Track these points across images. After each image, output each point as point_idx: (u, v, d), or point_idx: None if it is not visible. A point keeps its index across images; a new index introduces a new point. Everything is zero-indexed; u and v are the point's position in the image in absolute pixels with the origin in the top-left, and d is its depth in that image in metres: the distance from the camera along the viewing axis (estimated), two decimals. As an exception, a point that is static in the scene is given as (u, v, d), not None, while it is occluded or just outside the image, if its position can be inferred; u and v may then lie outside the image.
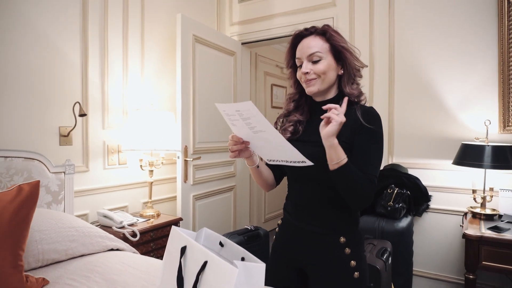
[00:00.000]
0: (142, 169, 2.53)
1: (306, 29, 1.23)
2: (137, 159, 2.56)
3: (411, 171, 2.59)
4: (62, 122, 2.17)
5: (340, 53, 1.18)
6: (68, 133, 2.18)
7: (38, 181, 1.35)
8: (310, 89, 1.20)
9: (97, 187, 2.38)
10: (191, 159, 2.71)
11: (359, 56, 1.24)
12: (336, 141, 1.04)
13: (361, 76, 1.24)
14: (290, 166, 1.15)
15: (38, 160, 1.99)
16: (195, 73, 2.76)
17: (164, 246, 2.43)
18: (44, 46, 2.07)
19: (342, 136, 1.12)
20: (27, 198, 1.28)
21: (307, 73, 1.18)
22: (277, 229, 1.37)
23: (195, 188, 2.80)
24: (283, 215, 1.35)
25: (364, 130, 1.13)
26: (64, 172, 2.12)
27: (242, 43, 3.42)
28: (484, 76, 2.35)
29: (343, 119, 1.03)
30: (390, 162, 2.70)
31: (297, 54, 1.23)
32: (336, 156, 1.05)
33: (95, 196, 2.37)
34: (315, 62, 1.18)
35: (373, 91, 2.75)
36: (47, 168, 2.04)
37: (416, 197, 2.44)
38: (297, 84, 1.29)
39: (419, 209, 2.49)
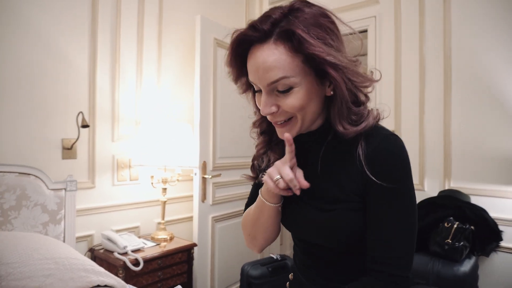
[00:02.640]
0: (154, 187, 2.27)
1: (255, 27, 0.69)
2: (150, 174, 2.30)
3: (474, 199, 2.08)
4: (65, 133, 1.97)
5: (324, 71, 0.68)
6: (72, 146, 1.98)
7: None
8: (285, 136, 0.73)
9: (105, 205, 2.15)
10: (210, 176, 2.41)
11: (365, 68, 0.77)
12: None
13: (367, 94, 0.76)
14: (293, 230, 0.87)
15: (34, 175, 1.79)
16: (216, 80, 2.48)
17: (175, 276, 2.15)
18: (47, 49, 1.88)
19: (342, 195, 0.74)
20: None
21: (272, 113, 0.73)
22: (287, 284, 1.00)
23: (214, 209, 2.50)
24: (293, 267, 0.98)
25: (376, 188, 0.70)
26: (64, 189, 1.91)
27: (274, 48, 3.10)
28: None
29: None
30: (446, 187, 2.21)
31: (250, 76, 0.73)
32: None
33: (102, 215, 2.14)
34: (282, 92, 0.70)
35: (424, 100, 2.29)
36: (45, 184, 1.83)
37: (482, 234, 1.93)
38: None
39: (486, 248, 1.98)
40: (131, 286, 1.62)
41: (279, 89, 0.70)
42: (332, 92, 0.72)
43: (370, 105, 0.78)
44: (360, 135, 0.72)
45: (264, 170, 0.86)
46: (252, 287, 2.22)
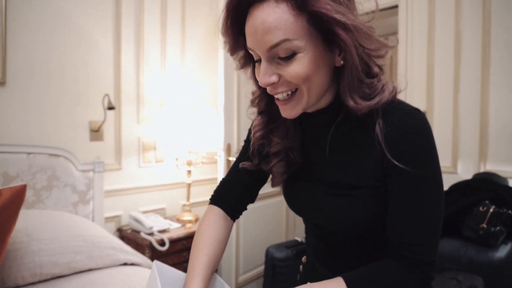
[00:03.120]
0: (178, 169, 2.28)
1: None
2: (175, 157, 2.32)
3: (513, 183, 1.96)
4: (93, 116, 2.01)
5: (330, 32, 0.58)
6: (99, 128, 2.01)
7: (24, 186, 1.13)
8: (288, 114, 0.66)
9: (131, 186, 2.19)
10: (235, 159, 2.39)
11: (377, 32, 0.63)
12: None
13: (381, 66, 0.66)
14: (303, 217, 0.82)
15: (63, 156, 1.84)
16: (240, 61, 2.44)
17: (201, 256, 2.17)
18: (73, 32, 1.90)
19: (357, 180, 0.67)
20: (4, 206, 1.06)
21: (273, 83, 0.63)
22: (301, 267, 0.96)
23: (238, 191, 2.49)
24: (306, 251, 0.94)
25: (399, 171, 0.63)
26: (92, 170, 1.96)
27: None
28: None
29: None
30: (482, 170, 2.09)
31: (248, 42, 0.63)
32: None
33: (129, 196, 2.19)
34: (284, 59, 0.61)
35: (459, 75, 2.15)
36: (74, 166, 1.88)
37: (521, 219, 1.82)
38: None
39: (525, 233, 1.86)
40: (157, 261, 1.65)
41: (281, 55, 0.60)
42: (342, 62, 0.62)
43: (401, 86, 0.69)
44: (377, 113, 0.64)
45: (267, 155, 0.78)
46: (277, 269, 2.21)
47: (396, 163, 0.62)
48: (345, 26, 0.57)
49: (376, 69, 0.65)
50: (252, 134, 0.79)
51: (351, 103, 0.62)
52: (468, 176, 2.10)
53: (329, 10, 0.56)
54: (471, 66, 2.12)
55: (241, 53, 0.71)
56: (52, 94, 1.84)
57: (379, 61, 0.65)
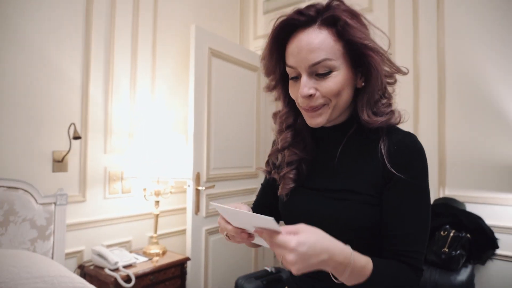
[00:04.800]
0: (146, 199, 2.22)
1: (301, 12, 0.73)
2: (143, 187, 2.26)
3: (469, 207, 2.08)
4: (56, 146, 1.92)
5: (362, 55, 0.72)
6: (63, 158, 1.93)
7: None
8: (315, 122, 0.77)
9: (96, 219, 2.09)
10: (204, 188, 2.37)
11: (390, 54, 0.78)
12: (325, 255, 0.61)
13: (393, 84, 0.80)
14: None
15: (23, 189, 1.74)
16: (210, 90, 2.46)
17: (169, 291, 2.09)
18: (39, 60, 1.85)
19: (358, 187, 0.75)
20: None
21: (310, 96, 0.74)
22: None
23: (208, 221, 2.45)
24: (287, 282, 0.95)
25: (396, 181, 0.73)
26: (54, 203, 1.85)
27: (266, 59, 3.10)
28: None
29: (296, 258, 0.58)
30: (441, 196, 2.21)
31: (289, 60, 0.75)
32: (341, 269, 0.64)
33: (93, 229, 2.08)
34: (321, 76, 0.73)
35: (419, 107, 2.30)
36: (34, 199, 1.78)
37: (479, 242, 1.93)
38: (289, 100, 0.84)
39: (482, 256, 1.97)
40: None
41: (319, 72, 0.72)
42: (363, 84, 0.75)
43: None
44: (382, 131, 0.76)
45: (279, 167, 0.88)
46: (248, 301, 2.16)
47: (394, 171, 0.72)
48: (375, 50, 0.72)
49: (389, 91, 0.80)
50: (278, 146, 0.88)
51: (365, 117, 0.75)
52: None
53: (362, 38, 0.71)
54: (429, 99, 2.28)
55: (275, 75, 0.83)
56: (12, 122, 1.75)
57: (390, 88, 0.80)
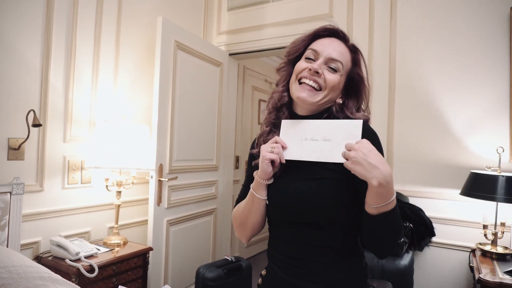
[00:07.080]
0: (108, 190, 2.19)
1: (342, 32, 1.02)
2: (104, 177, 2.22)
3: (412, 200, 2.33)
4: (12, 133, 1.84)
5: (354, 82, 1.00)
6: (19, 146, 1.85)
7: None
8: (304, 95, 0.95)
9: (54, 209, 2.03)
10: (166, 179, 2.39)
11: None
12: (389, 174, 0.79)
13: (365, 110, 1.06)
14: (282, 206, 0.94)
15: (-24, 178, 1.65)
16: (175, 83, 2.47)
17: (130, 281, 2.09)
18: (-5, 43, 1.75)
19: (334, 166, 0.91)
20: None
21: (317, 73, 0.93)
22: (260, 280, 1.06)
23: (169, 212, 2.48)
24: (267, 263, 1.05)
25: None
26: (10, 192, 1.77)
27: (230, 54, 3.16)
28: (495, 98, 2.14)
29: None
30: (388, 189, 2.43)
31: (317, 46, 0.98)
32: (388, 195, 0.80)
33: (51, 220, 2.02)
34: (330, 69, 0.95)
35: (371, 107, 2.50)
36: (-12, 188, 1.69)
37: (420, 231, 2.17)
38: (288, 81, 1.03)
39: (421, 243, 2.22)
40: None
41: (331, 66, 0.95)
42: (340, 100, 1.00)
43: None
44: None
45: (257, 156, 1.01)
46: (209, 289, 2.23)
47: None
48: (364, 85, 1.02)
49: (363, 107, 1.05)
50: (266, 119, 1.06)
51: (348, 113, 0.99)
52: (377, 195, 2.42)
53: (362, 77, 1.01)
54: (380, 99, 2.49)
55: (292, 56, 1.04)
56: (-35, 108, 1.65)
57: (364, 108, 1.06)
